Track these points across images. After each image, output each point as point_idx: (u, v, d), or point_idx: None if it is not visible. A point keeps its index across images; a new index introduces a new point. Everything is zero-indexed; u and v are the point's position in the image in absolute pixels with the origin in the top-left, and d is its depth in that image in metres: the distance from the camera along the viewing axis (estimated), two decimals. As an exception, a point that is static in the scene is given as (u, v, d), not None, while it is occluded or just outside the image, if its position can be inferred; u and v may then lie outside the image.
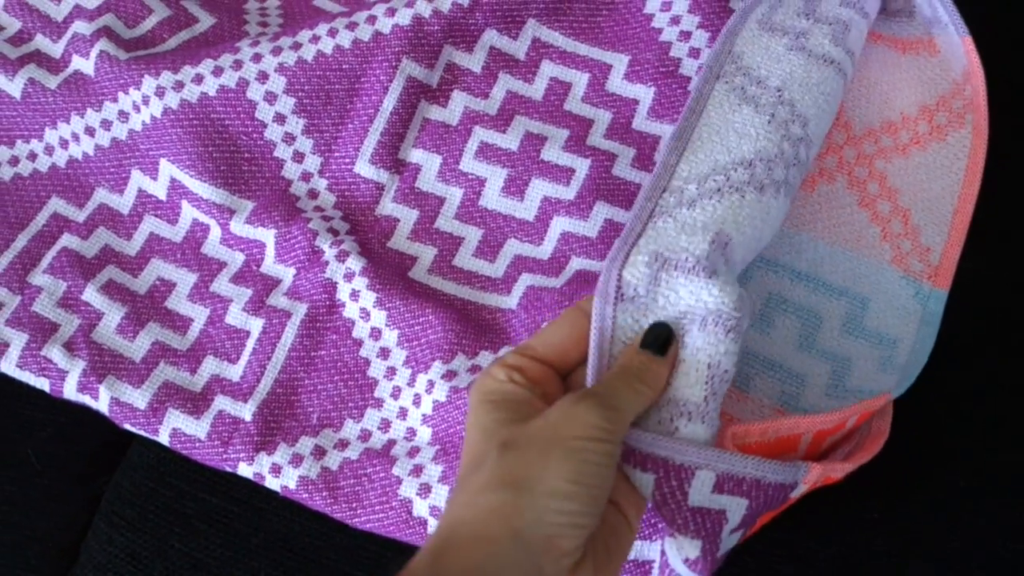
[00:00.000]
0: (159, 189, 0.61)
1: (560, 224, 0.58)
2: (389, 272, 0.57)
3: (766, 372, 0.54)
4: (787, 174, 0.49)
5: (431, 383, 0.54)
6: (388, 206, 0.60)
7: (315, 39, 0.61)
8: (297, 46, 0.61)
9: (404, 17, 0.61)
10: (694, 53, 0.60)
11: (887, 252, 0.56)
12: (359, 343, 0.56)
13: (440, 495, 0.51)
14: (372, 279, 0.56)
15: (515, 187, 0.59)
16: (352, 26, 0.61)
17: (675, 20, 0.61)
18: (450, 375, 0.54)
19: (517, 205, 0.59)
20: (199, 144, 0.60)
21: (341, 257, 0.57)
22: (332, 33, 0.61)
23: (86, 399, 0.57)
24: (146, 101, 0.61)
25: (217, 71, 0.61)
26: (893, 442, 0.53)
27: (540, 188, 0.59)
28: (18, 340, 0.57)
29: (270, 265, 0.59)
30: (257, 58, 0.61)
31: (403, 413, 0.55)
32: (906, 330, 0.54)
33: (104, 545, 0.55)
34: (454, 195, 0.60)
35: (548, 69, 0.62)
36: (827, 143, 0.59)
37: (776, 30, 0.53)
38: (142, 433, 0.56)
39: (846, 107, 0.58)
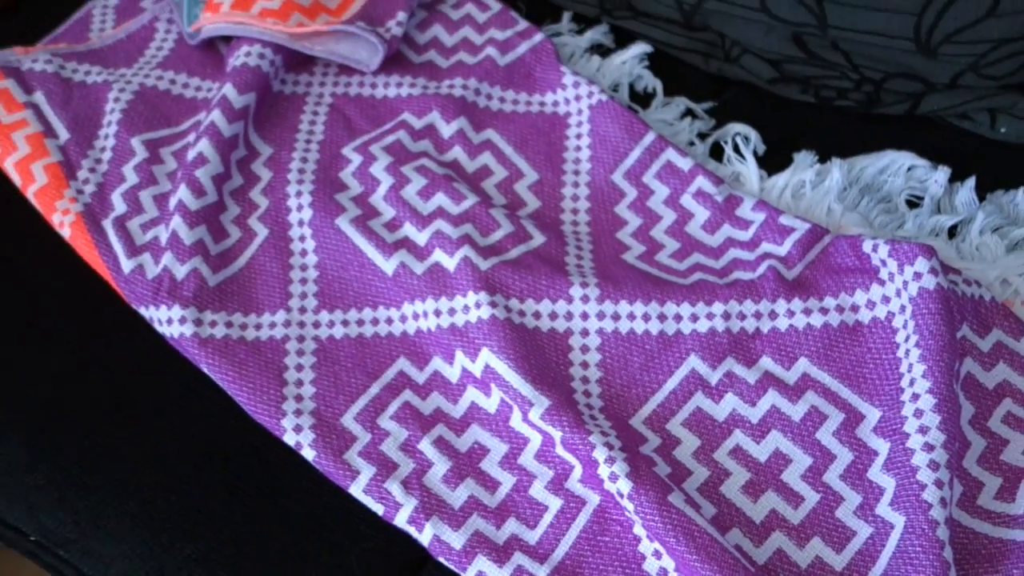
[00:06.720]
0: (475, 369, 0.77)
1: (779, 539, 0.69)
2: (663, 511, 0.67)
3: None
4: None
5: None
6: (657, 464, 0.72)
7: (637, 316, 0.79)
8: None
9: (702, 325, 0.77)
10: (923, 430, 0.69)
11: None
12: (638, 539, 0.70)
13: None
14: (641, 509, 0.67)
15: (752, 490, 0.71)
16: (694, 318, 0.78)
17: (911, 382, 0.72)
18: None
19: (749, 504, 0.71)
20: (522, 348, 0.76)
21: (613, 478, 0.69)
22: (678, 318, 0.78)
23: (411, 530, 0.72)
24: (478, 305, 0.78)
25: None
26: None
27: (771, 500, 0.71)
28: (367, 471, 0.73)
29: (561, 452, 0.74)
30: (585, 316, 0.79)
31: None
32: None
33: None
34: (701, 473, 0.72)
35: (811, 398, 0.73)
36: None
37: None
38: (452, 567, 0.71)
39: None
